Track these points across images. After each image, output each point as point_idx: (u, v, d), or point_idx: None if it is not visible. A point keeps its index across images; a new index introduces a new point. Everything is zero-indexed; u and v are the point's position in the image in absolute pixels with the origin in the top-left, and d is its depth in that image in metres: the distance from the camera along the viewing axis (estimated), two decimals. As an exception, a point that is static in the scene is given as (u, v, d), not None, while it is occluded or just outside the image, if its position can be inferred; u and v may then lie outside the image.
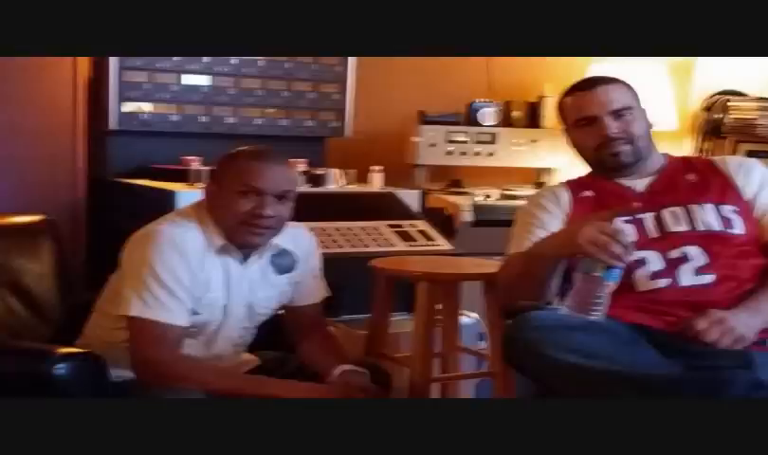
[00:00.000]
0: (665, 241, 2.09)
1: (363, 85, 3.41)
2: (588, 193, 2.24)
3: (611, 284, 1.91)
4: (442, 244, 2.96)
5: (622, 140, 2.18)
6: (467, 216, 3.28)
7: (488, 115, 3.66)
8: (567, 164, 3.13)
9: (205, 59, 3.14)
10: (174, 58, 3.10)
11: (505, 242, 2.25)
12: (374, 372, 2.19)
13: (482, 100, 3.67)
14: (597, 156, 2.22)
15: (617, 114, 2.18)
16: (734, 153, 3.51)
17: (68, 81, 3.21)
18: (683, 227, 2.10)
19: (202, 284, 2.09)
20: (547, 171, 3.78)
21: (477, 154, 3.66)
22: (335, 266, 2.42)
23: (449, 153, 3.63)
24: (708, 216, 2.11)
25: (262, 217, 2.08)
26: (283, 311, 2.30)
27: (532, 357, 1.92)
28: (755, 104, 3.54)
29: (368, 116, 3.48)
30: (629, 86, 2.24)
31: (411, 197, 3.18)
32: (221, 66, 3.18)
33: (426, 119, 3.61)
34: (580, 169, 2.34)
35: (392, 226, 2.99)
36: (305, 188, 2.99)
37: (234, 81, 3.22)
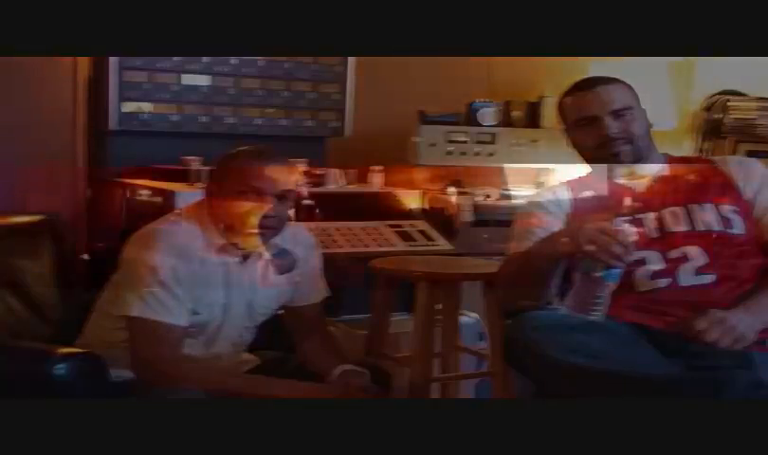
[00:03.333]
0: (665, 241, 2.09)
1: (363, 85, 3.40)
2: (588, 193, 2.24)
3: (611, 284, 1.92)
4: (442, 244, 2.96)
5: (622, 140, 2.18)
6: (467, 216, 3.28)
7: (488, 115, 3.65)
8: (567, 164, 3.12)
9: (205, 59, 3.14)
10: (174, 58, 3.09)
11: (505, 242, 2.25)
12: (374, 372, 2.18)
13: (482, 100, 3.66)
14: (597, 156, 2.22)
15: (617, 114, 2.18)
16: (734, 153, 3.51)
17: (68, 80, 3.20)
18: (683, 227, 2.11)
19: (202, 284, 2.09)
20: (547, 171, 3.77)
21: (477, 154, 3.65)
22: (335, 266, 2.42)
23: (449, 153, 3.62)
24: (708, 216, 2.11)
25: (262, 217, 2.08)
26: (283, 311, 2.30)
27: (532, 357, 1.92)
28: (755, 104, 3.54)
29: (368, 116, 3.47)
30: (629, 86, 2.24)
31: (411, 197, 3.18)
32: (221, 66, 3.18)
33: (426, 119, 3.60)
34: (580, 169, 2.34)
35: (392, 226, 2.99)
36: (305, 188, 2.99)
37: (234, 82, 3.22)
